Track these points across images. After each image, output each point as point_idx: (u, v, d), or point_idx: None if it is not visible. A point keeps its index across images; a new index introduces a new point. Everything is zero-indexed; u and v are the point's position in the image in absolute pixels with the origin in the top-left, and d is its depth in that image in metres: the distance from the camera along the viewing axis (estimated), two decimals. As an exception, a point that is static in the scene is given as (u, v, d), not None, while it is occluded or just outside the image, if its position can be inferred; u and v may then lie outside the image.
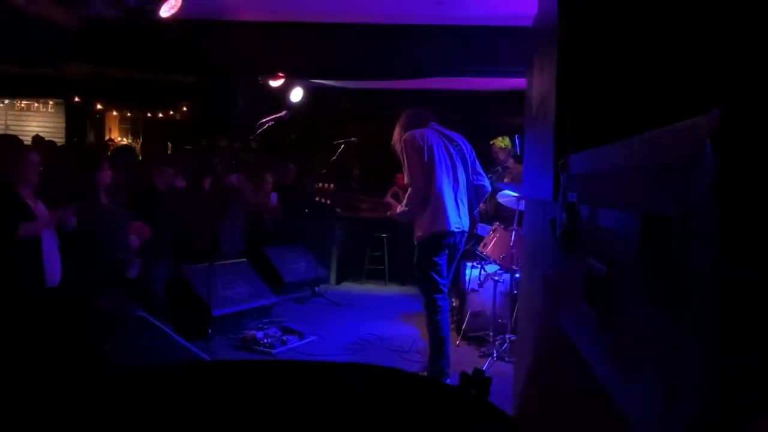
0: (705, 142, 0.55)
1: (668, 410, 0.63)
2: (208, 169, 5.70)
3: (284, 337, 4.52)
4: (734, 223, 0.52)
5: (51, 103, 9.61)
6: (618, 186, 0.91)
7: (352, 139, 5.29)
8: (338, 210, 5.74)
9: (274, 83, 6.52)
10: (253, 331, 4.53)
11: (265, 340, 4.39)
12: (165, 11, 4.61)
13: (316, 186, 3.87)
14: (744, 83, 1.15)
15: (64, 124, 9.53)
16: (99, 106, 9.62)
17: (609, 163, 0.99)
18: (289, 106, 6.39)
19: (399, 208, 3.61)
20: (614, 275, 0.87)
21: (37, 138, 7.67)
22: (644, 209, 0.73)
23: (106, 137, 9.75)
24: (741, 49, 1.18)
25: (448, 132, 3.68)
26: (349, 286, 7.08)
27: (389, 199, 3.95)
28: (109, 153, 6.78)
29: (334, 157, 5.28)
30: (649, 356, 0.71)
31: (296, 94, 6.87)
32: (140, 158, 7.12)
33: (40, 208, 3.45)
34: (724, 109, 0.53)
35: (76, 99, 9.18)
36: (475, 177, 3.68)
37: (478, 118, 6.65)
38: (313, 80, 7.05)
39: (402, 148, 3.54)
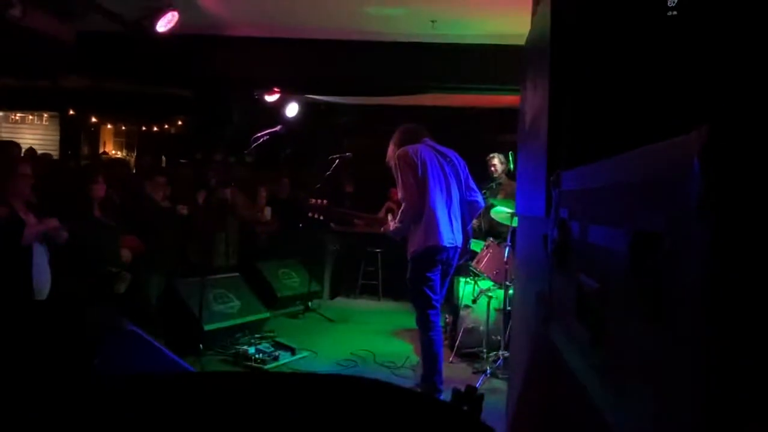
0: (693, 159, 0.56)
1: (658, 426, 0.63)
2: (202, 183, 5.69)
3: (276, 353, 4.49)
4: (722, 240, 0.52)
5: (45, 115, 9.60)
6: (608, 202, 0.92)
7: (347, 154, 5.31)
8: (333, 225, 5.74)
9: (270, 98, 6.56)
10: (245, 347, 4.49)
11: (257, 356, 4.35)
12: (162, 26, 4.65)
13: (309, 202, 3.86)
14: (731, 102, 1.16)
15: (58, 137, 9.51)
16: (94, 119, 9.62)
17: (599, 179, 1.00)
18: (285, 121, 6.41)
19: (392, 225, 3.61)
20: (605, 291, 0.87)
21: (30, 151, 7.65)
22: (634, 226, 0.74)
23: (101, 150, 9.74)
24: (729, 69, 1.20)
25: (441, 148, 3.71)
26: (343, 301, 7.05)
27: (383, 214, 3.94)
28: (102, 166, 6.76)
29: (328, 172, 5.29)
30: (639, 372, 0.71)
31: (292, 109, 6.91)
32: (134, 171, 7.10)
33: (30, 219, 3.43)
34: (711, 126, 0.54)
35: (71, 112, 9.19)
36: (468, 193, 3.70)
37: (473, 135, 6.70)
38: (308, 95, 7.09)
39: (396, 164, 3.55)
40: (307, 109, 7.24)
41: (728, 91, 1.18)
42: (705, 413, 0.53)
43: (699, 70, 1.29)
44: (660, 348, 0.64)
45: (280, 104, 6.76)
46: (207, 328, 4.50)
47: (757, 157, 0.53)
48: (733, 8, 1.28)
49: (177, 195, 5.13)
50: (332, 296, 7.11)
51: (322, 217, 3.84)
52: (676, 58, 1.34)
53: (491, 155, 5.65)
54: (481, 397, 1.37)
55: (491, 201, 4.72)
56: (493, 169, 5.59)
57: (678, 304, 0.59)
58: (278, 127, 5.17)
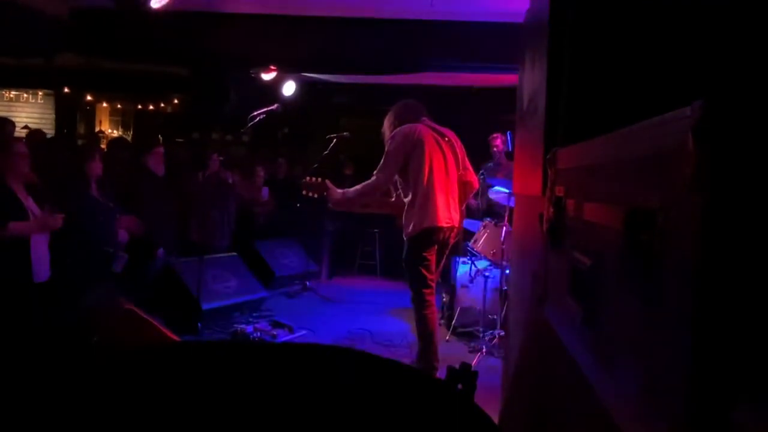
0: (687, 134, 0.55)
1: (648, 403, 0.63)
2: (202, 164, 5.64)
3: (274, 332, 4.52)
4: (714, 217, 0.52)
5: (40, 93, 9.51)
6: (603, 180, 0.91)
7: (345, 134, 5.27)
8: (330, 204, 5.72)
9: (267, 76, 6.49)
10: (243, 325, 4.53)
11: (255, 335, 4.39)
12: (156, 2, 4.57)
13: (305, 180, 3.83)
14: (727, 77, 1.15)
15: (53, 116, 9.43)
16: (89, 98, 9.53)
17: (594, 157, 1.00)
18: (282, 100, 6.35)
19: (339, 192, 3.57)
20: (598, 269, 0.87)
21: (38, 133, 7.55)
22: (629, 202, 0.73)
23: (96, 129, 9.67)
24: (725, 44, 1.19)
25: (439, 127, 3.68)
26: (341, 281, 7.08)
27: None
28: (102, 145, 6.73)
29: (325, 152, 5.25)
30: (630, 349, 0.71)
31: (289, 88, 6.84)
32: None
33: (30, 204, 3.39)
34: (705, 102, 0.53)
35: (66, 90, 9.09)
36: (464, 173, 3.69)
37: (472, 114, 6.65)
38: (306, 74, 7.02)
39: (390, 138, 3.54)
40: (304, 88, 7.17)
41: (725, 68, 1.17)
42: (691, 392, 0.53)
43: (698, 47, 1.27)
44: (650, 325, 0.64)
45: (277, 83, 6.69)
46: (205, 307, 4.52)
47: (751, 134, 0.52)
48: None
49: (176, 174, 5.10)
50: (330, 276, 7.13)
51: (317, 196, 3.82)
52: (675, 35, 1.32)
53: (494, 135, 5.63)
54: (476, 374, 1.38)
55: (489, 181, 4.71)
56: (495, 149, 5.56)
57: (668, 282, 0.59)
58: (275, 106, 5.13)
